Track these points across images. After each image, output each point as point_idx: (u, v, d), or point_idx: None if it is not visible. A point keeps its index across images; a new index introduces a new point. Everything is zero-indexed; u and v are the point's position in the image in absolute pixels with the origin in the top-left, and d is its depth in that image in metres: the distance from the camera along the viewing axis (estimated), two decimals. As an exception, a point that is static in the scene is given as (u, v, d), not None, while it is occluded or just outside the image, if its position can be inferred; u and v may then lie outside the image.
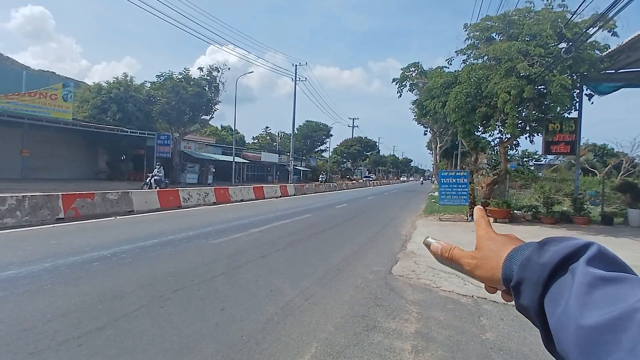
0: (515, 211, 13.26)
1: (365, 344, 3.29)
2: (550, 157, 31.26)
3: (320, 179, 45.12)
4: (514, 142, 13.89)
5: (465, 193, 13.44)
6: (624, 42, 10.27)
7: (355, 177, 70.74)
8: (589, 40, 10.49)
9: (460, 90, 11.61)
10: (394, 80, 15.45)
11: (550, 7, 11.64)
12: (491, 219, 12.74)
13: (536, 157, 38.33)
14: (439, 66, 14.42)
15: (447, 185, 13.69)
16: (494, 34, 12.23)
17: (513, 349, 3.29)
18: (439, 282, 5.32)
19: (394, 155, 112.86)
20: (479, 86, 11.47)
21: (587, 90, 12.89)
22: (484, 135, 15.16)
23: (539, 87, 11.12)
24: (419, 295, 4.76)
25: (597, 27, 9.51)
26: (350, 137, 73.68)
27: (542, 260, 0.44)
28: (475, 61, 12.39)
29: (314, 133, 60.85)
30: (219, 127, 67.85)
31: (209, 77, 32.77)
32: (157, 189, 16.98)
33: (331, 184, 39.79)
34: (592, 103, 12.99)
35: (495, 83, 10.76)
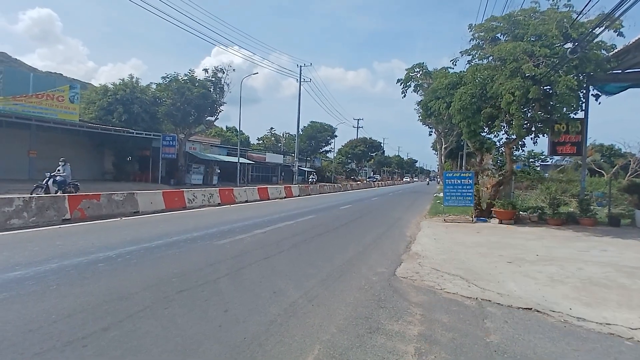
0: (521, 212, 13.16)
1: (368, 346, 3.29)
2: (556, 157, 31.05)
3: (310, 180, 42.97)
4: (520, 143, 13.80)
5: (470, 194, 13.37)
6: (630, 42, 10.18)
7: (360, 177, 70.67)
8: (595, 40, 10.38)
9: (465, 91, 11.57)
10: (398, 80, 15.44)
11: (556, 7, 11.54)
12: (496, 221, 12.73)
13: (542, 157, 38.12)
14: (444, 67, 14.39)
15: (451, 187, 13.62)
16: (499, 34, 12.16)
17: (517, 352, 3.27)
18: (443, 284, 5.30)
19: (398, 155, 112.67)
20: (484, 87, 11.41)
21: (593, 90, 12.76)
22: (489, 136, 15.09)
23: (545, 88, 11.03)
24: (422, 297, 4.75)
25: (603, 27, 9.41)
26: (355, 137, 73.68)
27: None
28: (480, 62, 12.33)
29: (319, 134, 60.89)
30: (224, 128, 68.19)
31: (214, 79, 32.93)
32: (59, 193, 13.42)
33: (336, 184, 39.75)
34: (600, 103, 12.86)
35: (501, 84, 10.70)
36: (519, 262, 6.70)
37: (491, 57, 11.74)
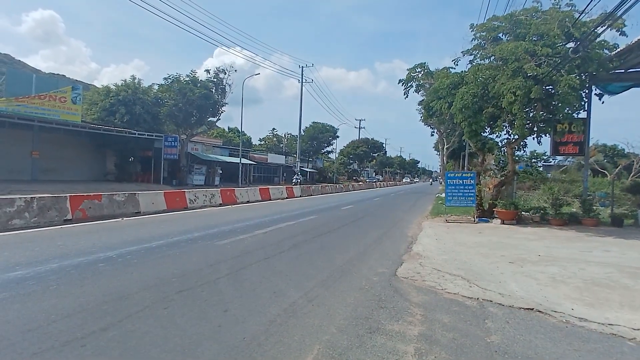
0: (523, 213, 13.11)
1: (367, 346, 3.27)
2: (559, 158, 30.96)
3: (293, 181, 38.90)
4: (522, 143, 13.75)
5: (472, 194, 13.33)
6: (633, 42, 10.12)
7: (362, 178, 70.60)
8: (598, 40, 10.35)
9: (467, 91, 11.54)
10: (400, 81, 15.43)
11: (558, 6, 11.51)
12: (499, 221, 12.68)
13: (545, 158, 37.98)
14: (446, 67, 14.37)
15: (453, 187, 13.58)
16: (501, 34, 12.14)
17: (518, 353, 3.24)
18: (444, 285, 5.27)
19: (401, 156, 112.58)
20: (485, 87, 11.38)
21: (596, 90, 12.71)
22: (491, 136, 15.06)
23: (547, 88, 10.99)
24: (423, 298, 4.72)
25: (605, 26, 9.38)
26: (357, 138, 73.63)
27: None
28: (482, 61, 12.30)
29: (321, 134, 60.88)
30: (226, 129, 68.26)
31: (215, 79, 32.96)
32: None
33: (338, 185, 39.68)
34: (603, 103, 12.79)
35: (502, 83, 10.66)
36: (521, 263, 6.67)
37: (493, 57, 11.71)
